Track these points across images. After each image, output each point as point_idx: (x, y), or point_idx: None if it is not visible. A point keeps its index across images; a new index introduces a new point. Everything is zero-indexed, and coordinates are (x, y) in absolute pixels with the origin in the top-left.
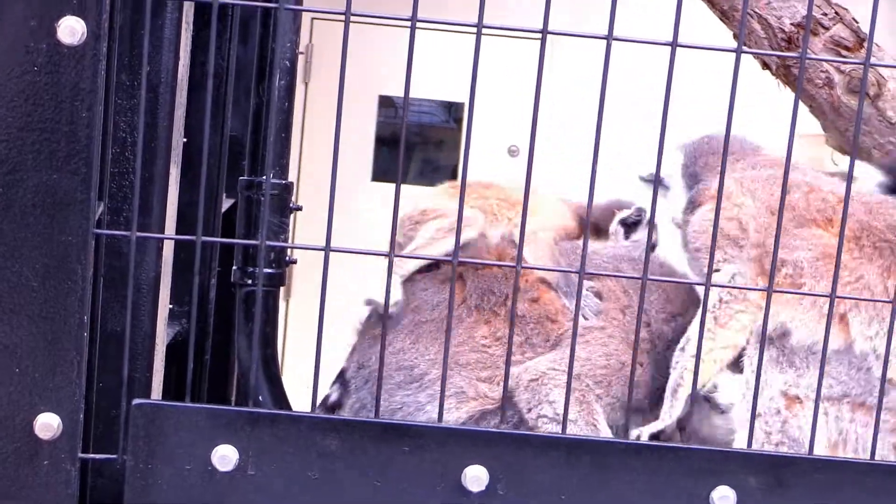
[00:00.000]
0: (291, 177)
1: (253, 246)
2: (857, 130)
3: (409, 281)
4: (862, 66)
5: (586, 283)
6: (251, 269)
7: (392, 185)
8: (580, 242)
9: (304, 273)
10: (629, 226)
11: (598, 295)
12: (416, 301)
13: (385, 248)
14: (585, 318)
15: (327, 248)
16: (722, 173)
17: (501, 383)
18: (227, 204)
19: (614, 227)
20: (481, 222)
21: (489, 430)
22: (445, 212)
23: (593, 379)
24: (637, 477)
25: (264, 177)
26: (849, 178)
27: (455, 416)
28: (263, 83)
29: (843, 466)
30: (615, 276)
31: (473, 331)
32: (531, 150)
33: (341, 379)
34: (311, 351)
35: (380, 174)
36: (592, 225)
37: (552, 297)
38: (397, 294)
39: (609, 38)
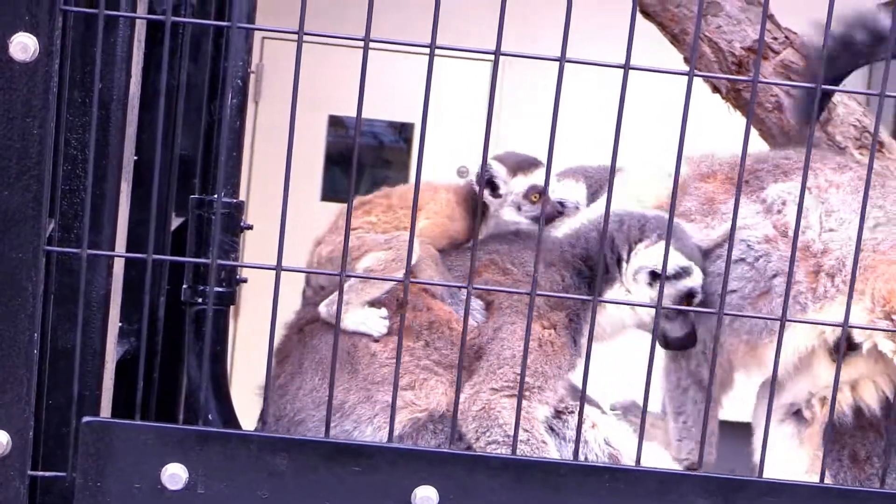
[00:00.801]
0: (241, 195)
1: (203, 264)
2: (809, 154)
3: (300, 328)
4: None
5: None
6: (202, 288)
7: (340, 205)
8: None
9: (252, 292)
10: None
11: (482, 297)
12: (314, 342)
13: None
14: (476, 322)
15: (279, 268)
16: (673, 197)
17: (424, 388)
18: (176, 222)
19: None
20: (418, 251)
21: (440, 450)
22: (371, 247)
23: (530, 375)
24: (588, 499)
25: (215, 195)
26: (800, 202)
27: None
28: (215, 102)
29: (793, 489)
30: (503, 290)
31: (370, 348)
32: (483, 169)
33: (263, 422)
34: (259, 369)
35: (329, 193)
36: (474, 208)
37: (440, 304)
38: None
39: (562, 59)
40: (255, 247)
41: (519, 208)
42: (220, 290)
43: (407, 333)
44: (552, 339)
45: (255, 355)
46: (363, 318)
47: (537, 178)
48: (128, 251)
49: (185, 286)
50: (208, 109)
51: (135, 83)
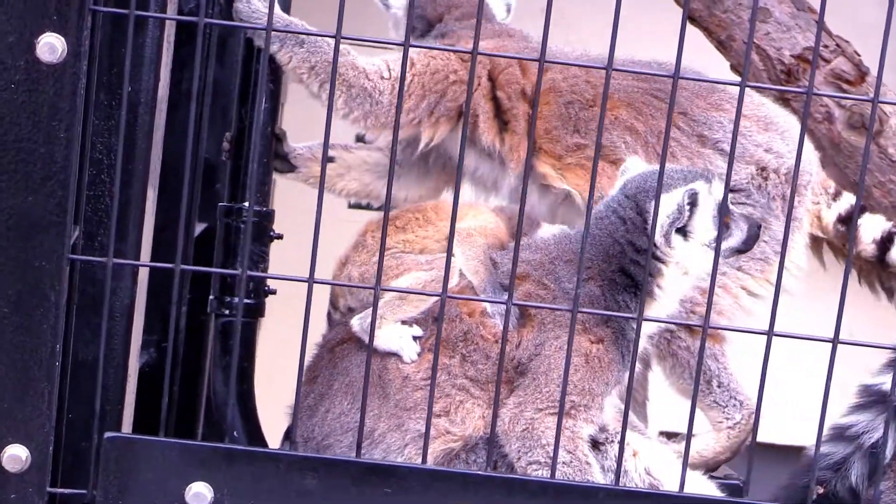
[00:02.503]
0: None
1: (232, 275)
2: (864, 167)
3: (331, 348)
4: (863, 102)
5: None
6: (229, 299)
7: (365, 221)
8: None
9: (274, 302)
10: None
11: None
12: (344, 363)
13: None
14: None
15: (311, 280)
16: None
17: (460, 412)
18: (198, 228)
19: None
20: (457, 277)
21: (476, 472)
22: (410, 266)
23: (576, 393)
24: None
25: (244, 203)
26: (855, 214)
27: (419, 462)
28: (245, 106)
29: None
30: (541, 307)
31: (402, 370)
32: (525, 176)
33: (289, 440)
34: (280, 383)
35: (357, 202)
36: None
37: (473, 307)
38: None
39: (609, 68)
40: (280, 255)
41: None
42: (248, 301)
43: (442, 347)
44: (600, 354)
45: (277, 369)
46: (397, 335)
47: None
48: (152, 258)
49: (211, 297)
50: (238, 114)
51: (163, 86)
